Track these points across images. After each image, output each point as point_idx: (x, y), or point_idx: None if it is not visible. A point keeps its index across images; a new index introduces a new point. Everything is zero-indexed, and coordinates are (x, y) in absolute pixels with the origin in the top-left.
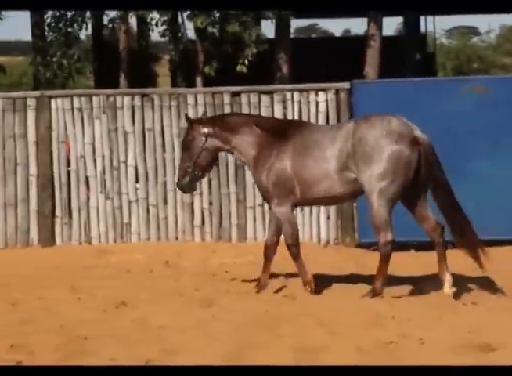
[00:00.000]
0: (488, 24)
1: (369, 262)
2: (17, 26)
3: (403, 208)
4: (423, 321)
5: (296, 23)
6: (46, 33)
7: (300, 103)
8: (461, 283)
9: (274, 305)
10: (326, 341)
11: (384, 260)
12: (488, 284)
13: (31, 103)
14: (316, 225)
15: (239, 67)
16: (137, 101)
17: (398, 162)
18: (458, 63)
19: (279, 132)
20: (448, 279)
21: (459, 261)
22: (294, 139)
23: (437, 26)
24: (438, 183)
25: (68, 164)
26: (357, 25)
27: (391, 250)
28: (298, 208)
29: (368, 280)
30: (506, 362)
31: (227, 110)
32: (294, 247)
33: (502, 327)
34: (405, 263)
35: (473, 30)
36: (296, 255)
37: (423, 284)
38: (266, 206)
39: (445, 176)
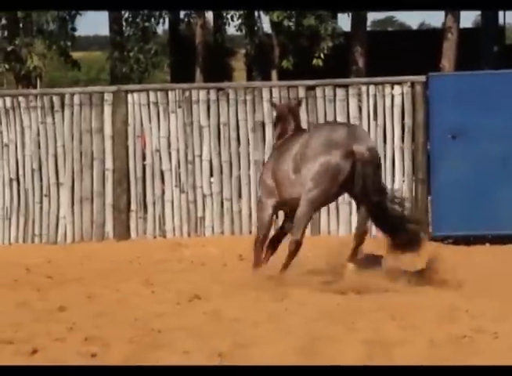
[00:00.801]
0: None
1: (442, 255)
2: (96, 21)
3: (479, 202)
4: (498, 315)
5: (372, 16)
6: (124, 28)
7: (375, 96)
8: None
9: (346, 298)
10: (399, 335)
11: (290, 256)
12: None
13: (108, 97)
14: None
15: (314, 61)
16: (212, 95)
17: (326, 170)
18: None
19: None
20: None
21: None
22: (283, 143)
23: None
24: (367, 195)
25: (144, 158)
26: (434, 18)
27: (298, 248)
28: None
29: (441, 272)
30: None
31: (302, 103)
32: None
33: None
34: (480, 257)
35: None
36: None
37: (496, 278)
38: (340, 200)
39: (378, 191)
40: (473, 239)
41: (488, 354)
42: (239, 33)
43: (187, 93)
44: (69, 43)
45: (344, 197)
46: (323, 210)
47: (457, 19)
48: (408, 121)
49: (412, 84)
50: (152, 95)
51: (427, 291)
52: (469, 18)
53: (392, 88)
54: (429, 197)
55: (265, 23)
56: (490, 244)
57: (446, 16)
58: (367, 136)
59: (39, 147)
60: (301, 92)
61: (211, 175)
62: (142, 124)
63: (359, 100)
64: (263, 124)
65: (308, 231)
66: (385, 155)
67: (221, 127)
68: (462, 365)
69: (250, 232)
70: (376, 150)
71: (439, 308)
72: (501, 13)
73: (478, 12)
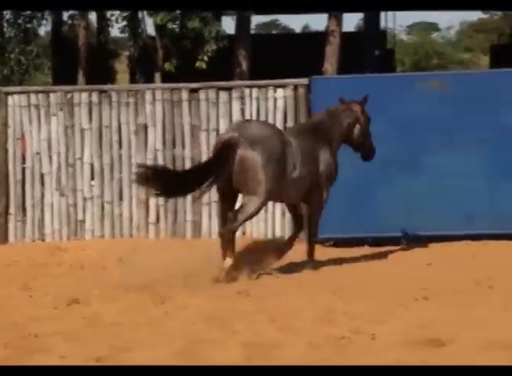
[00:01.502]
0: (448, 20)
1: (323, 257)
2: None
3: (359, 205)
4: (375, 316)
5: (256, 19)
6: (5, 29)
7: (258, 99)
8: (413, 278)
9: (228, 301)
10: (278, 338)
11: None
12: (440, 279)
13: None
14: (271, 222)
15: (198, 63)
16: (95, 98)
17: None
18: (417, 58)
19: None
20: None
21: (412, 256)
22: None
23: (397, 22)
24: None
25: (23, 161)
26: (317, 21)
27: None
28: None
29: (321, 275)
30: (457, 357)
31: (185, 106)
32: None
33: (454, 322)
34: (359, 259)
35: (433, 26)
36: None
37: (374, 280)
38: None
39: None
40: (354, 241)
41: (365, 355)
42: (122, 35)
43: (69, 95)
44: None
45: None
46: (205, 213)
47: (340, 23)
48: (290, 123)
49: (295, 87)
50: (33, 97)
51: (305, 293)
52: (352, 22)
53: (275, 91)
54: None
55: (149, 25)
56: (369, 246)
57: (329, 19)
58: (246, 128)
59: None
60: (185, 95)
61: (92, 178)
62: (22, 127)
63: (242, 103)
64: (145, 127)
65: (189, 234)
66: None
67: (103, 130)
68: (341, 365)
69: (131, 235)
70: (233, 140)
71: (318, 310)
72: (383, 17)
73: (361, 16)
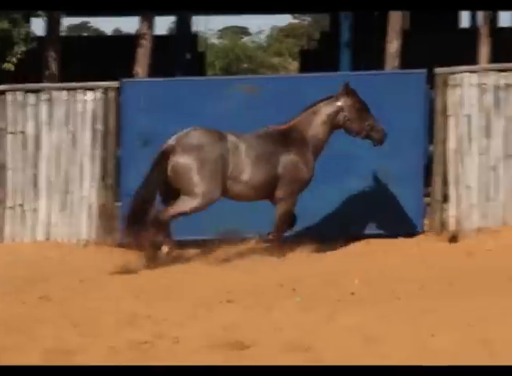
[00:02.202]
0: (259, 25)
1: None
2: None
3: None
4: (179, 320)
5: (68, 21)
6: None
7: (67, 101)
8: (218, 281)
9: (29, 307)
10: (79, 343)
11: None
12: (244, 282)
13: None
14: (76, 225)
15: (5, 65)
16: None
17: None
18: (227, 62)
19: None
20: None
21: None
22: None
23: (209, 26)
24: None
25: None
26: (128, 24)
27: None
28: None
29: (125, 278)
30: (259, 359)
31: None
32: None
33: (257, 325)
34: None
35: (244, 31)
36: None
37: (179, 282)
38: (26, 206)
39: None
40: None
41: (167, 358)
42: None
43: None
44: None
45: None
46: (8, 217)
47: (151, 26)
48: (100, 127)
49: (106, 90)
50: None
51: (109, 297)
52: (164, 25)
53: (85, 93)
54: (117, 204)
55: None
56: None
57: (141, 22)
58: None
59: None
60: None
61: None
62: None
63: (51, 106)
64: None
65: None
66: (75, 161)
67: None
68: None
69: None
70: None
71: (121, 314)
72: (194, 21)
73: (173, 19)
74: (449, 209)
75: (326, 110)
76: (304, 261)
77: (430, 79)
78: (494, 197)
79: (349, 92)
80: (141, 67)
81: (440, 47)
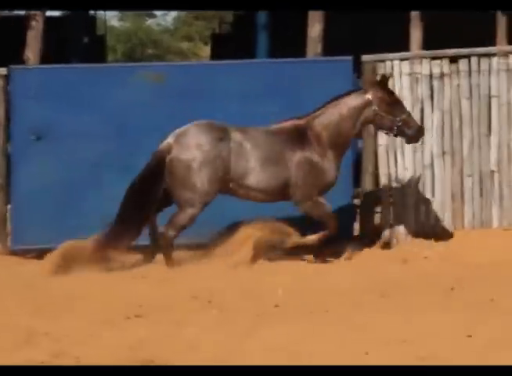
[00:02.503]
0: None
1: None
2: None
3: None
4: (81, 337)
5: None
6: None
7: None
8: (128, 293)
9: None
10: None
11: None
12: (156, 294)
13: None
14: None
15: None
16: None
17: None
18: (130, 47)
19: None
20: None
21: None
22: None
23: None
24: None
25: None
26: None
27: None
28: None
29: (19, 292)
30: None
31: None
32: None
33: (169, 342)
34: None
35: (148, 12)
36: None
37: (83, 295)
38: None
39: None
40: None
41: None
42: None
43: None
44: None
45: None
46: None
47: None
48: None
49: None
50: None
51: (2, 313)
52: None
53: None
54: (8, 206)
55: None
56: None
57: None
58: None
59: None
60: None
61: None
62: None
63: None
64: None
65: None
66: None
67: None
68: None
69: None
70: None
71: (17, 331)
72: None
73: None
74: (381, 212)
75: (351, 103)
76: (221, 270)
77: (358, 67)
78: (429, 198)
79: (380, 83)
80: (32, 52)
81: (367, 31)
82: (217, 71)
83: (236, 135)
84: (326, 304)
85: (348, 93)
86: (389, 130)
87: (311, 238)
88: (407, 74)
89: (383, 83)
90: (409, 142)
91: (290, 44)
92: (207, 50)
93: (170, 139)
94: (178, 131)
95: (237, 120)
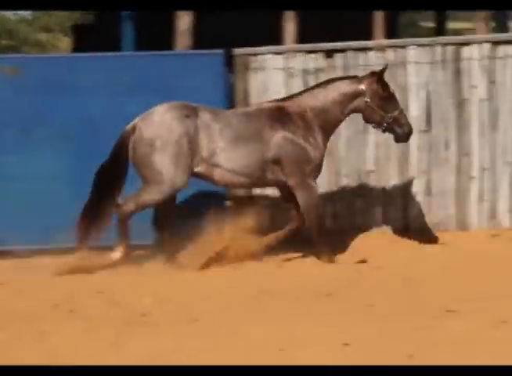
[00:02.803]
0: None
1: None
2: None
3: None
4: None
5: None
6: None
7: None
8: None
9: None
10: None
11: None
12: (14, 303)
13: None
14: None
15: None
16: None
17: None
18: None
19: None
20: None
21: None
22: None
23: None
24: None
25: None
26: None
27: None
28: None
29: None
30: None
31: None
32: None
33: (28, 355)
34: None
35: None
36: None
37: None
38: None
39: None
40: None
41: None
42: None
43: None
44: None
45: None
46: None
47: None
48: None
49: None
50: None
51: None
52: None
53: None
54: None
55: None
56: None
57: None
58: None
59: None
60: None
61: None
62: None
63: None
64: None
65: None
66: None
67: None
68: None
69: None
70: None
71: None
72: None
73: None
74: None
75: (342, 89)
76: (85, 275)
77: (229, 61)
78: None
79: (377, 76)
80: None
81: (239, 23)
82: (80, 64)
83: (204, 114)
84: (197, 312)
85: (342, 78)
86: (378, 125)
87: (280, 233)
88: (281, 68)
89: (379, 75)
90: (397, 140)
91: (157, 36)
92: (67, 42)
93: (136, 119)
94: (146, 111)
95: (102, 115)
